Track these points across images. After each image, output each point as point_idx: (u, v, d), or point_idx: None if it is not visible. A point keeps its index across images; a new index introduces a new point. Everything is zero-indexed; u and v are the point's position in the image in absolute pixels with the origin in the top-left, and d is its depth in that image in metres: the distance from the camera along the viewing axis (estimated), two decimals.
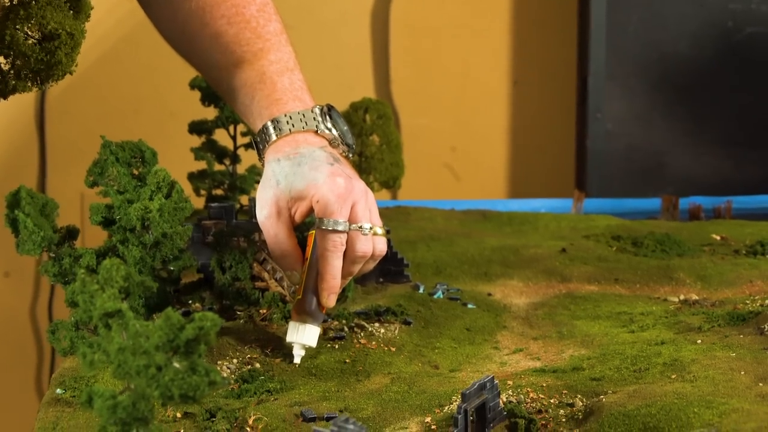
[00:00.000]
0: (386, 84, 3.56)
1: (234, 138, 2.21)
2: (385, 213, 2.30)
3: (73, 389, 1.52)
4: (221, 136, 2.26)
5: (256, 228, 1.90)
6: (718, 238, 2.24)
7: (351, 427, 1.05)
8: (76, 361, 1.59)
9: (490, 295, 1.94)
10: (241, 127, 2.22)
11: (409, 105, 3.52)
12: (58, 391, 1.52)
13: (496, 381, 1.38)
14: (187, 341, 1.03)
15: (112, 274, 1.10)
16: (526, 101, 3.65)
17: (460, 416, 1.30)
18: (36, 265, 3.46)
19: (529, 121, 3.66)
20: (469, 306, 1.86)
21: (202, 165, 2.27)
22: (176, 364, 1.04)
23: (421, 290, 1.91)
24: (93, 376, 1.54)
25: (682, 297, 1.88)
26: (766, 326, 1.63)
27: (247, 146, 2.23)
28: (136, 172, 1.61)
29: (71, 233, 1.50)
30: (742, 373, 1.46)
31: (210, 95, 2.10)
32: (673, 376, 1.48)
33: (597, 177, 3.46)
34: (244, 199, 2.27)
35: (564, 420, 1.40)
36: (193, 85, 2.14)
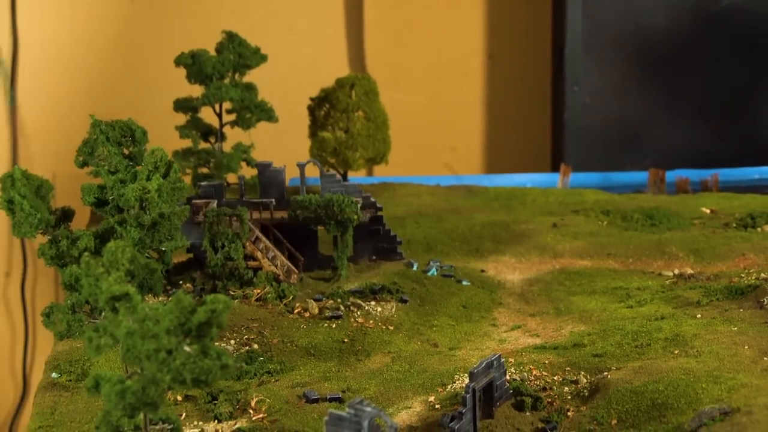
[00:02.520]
0: (361, 59, 3.53)
1: (220, 116, 2.18)
2: (370, 189, 2.29)
3: (68, 373, 1.50)
4: (205, 114, 2.23)
5: (248, 206, 1.87)
6: (708, 211, 2.24)
7: (368, 409, 1.03)
8: (69, 345, 1.56)
9: (483, 271, 1.93)
10: (227, 105, 2.18)
11: (384, 80, 3.49)
12: (54, 375, 1.49)
13: (503, 359, 1.37)
14: (199, 324, 1.00)
15: (117, 256, 1.07)
16: (501, 75, 3.62)
17: (468, 395, 1.28)
18: (6, 245, 3.41)
19: (505, 95, 3.63)
20: (464, 283, 1.84)
21: (181, 143, 2.23)
22: (187, 348, 1.02)
23: (414, 267, 1.89)
24: (88, 359, 1.52)
25: (676, 271, 1.87)
26: (765, 300, 1.63)
27: (233, 124, 2.19)
28: (126, 151, 1.58)
29: (66, 215, 1.47)
30: (746, 347, 1.45)
31: (195, 73, 2.06)
32: (676, 351, 1.47)
33: (575, 150, 3.45)
34: (231, 177, 2.23)
35: (569, 397, 1.39)
36: (178, 62, 2.10)
